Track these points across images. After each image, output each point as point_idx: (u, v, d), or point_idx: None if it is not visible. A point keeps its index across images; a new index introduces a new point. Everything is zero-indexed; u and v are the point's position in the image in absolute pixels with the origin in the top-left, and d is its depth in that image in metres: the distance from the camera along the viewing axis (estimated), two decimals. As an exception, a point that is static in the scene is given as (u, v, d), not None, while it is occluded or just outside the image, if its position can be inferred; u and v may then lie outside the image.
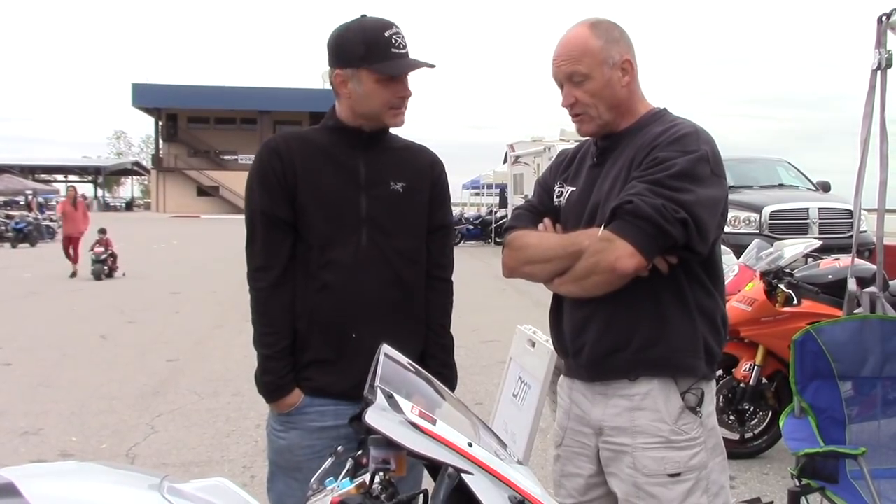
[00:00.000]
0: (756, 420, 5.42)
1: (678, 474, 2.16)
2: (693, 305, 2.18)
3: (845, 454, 3.08)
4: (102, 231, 17.60)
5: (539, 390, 3.06)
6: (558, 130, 22.22)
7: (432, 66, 2.34)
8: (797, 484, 3.20)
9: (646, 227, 2.03)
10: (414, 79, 2.38)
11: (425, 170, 2.47)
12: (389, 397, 1.48)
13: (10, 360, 8.63)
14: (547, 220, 2.37)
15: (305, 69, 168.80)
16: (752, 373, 5.28)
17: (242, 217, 2.45)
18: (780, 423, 3.46)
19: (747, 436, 5.45)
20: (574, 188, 2.35)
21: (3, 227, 28.82)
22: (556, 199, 2.40)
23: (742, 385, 5.30)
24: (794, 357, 3.35)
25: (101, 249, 17.21)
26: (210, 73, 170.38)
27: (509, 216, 2.56)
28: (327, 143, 2.37)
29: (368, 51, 2.26)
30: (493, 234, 28.54)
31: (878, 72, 3.81)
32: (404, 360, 1.76)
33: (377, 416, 1.45)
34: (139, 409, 6.65)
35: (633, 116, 2.27)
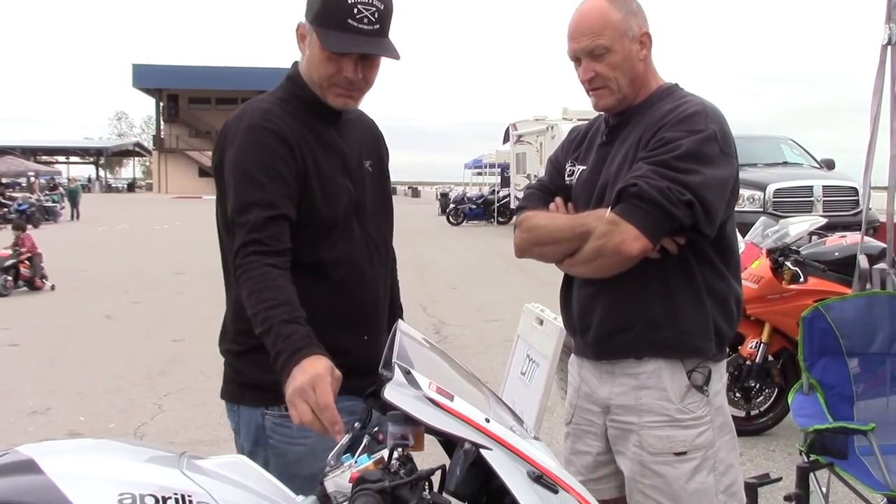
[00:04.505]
0: (762, 397, 5.44)
1: (684, 453, 2.16)
2: (703, 287, 2.17)
3: (854, 430, 3.09)
4: (19, 227, 13.25)
5: (547, 368, 3.06)
6: (561, 109, 22.15)
7: (376, 55, 2.00)
8: (806, 460, 3.21)
9: (651, 210, 2.01)
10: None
11: (381, 143, 2.30)
12: (407, 373, 1.48)
13: (17, 340, 8.66)
14: (558, 200, 2.35)
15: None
16: (758, 350, 5.28)
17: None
18: (789, 400, 3.47)
19: (753, 413, 5.47)
20: (584, 167, 2.33)
21: (5, 209, 28.72)
22: (567, 178, 2.38)
23: (748, 362, 5.31)
24: (803, 334, 3.36)
25: (8, 252, 12.38)
26: (211, 53, 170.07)
27: (511, 196, 2.53)
28: (310, 121, 2.07)
29: (324, 10, 1.95)
30: (495, 214, 28.49)
31: (889, 47, 3.79)
32: (419, 335, 1.76)
33: (395, 392, 1.45)
34: (146, 389, 6.69)
35: (646, 91, 2.25)
